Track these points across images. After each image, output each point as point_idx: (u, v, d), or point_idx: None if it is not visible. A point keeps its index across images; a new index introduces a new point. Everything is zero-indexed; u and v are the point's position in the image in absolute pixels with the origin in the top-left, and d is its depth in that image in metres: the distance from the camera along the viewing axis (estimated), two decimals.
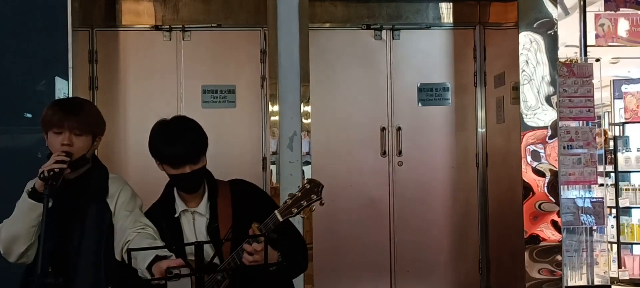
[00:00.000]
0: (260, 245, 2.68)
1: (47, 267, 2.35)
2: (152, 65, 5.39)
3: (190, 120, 3.01)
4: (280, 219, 2.80)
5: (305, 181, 2.88)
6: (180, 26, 5.37)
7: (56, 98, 4.45)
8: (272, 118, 4.70)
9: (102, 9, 5.33)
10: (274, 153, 4.69)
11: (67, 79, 4.44)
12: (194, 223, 2.99)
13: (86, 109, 2.85)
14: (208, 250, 2.87)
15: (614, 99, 8.64)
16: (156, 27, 5.38)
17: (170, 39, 5.40)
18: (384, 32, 5.63)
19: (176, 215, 2.99)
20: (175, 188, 3.01)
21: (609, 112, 8.94)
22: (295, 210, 2.81)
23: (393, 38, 5.64)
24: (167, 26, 5.37)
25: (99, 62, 5.32)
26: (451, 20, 5.69)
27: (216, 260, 2.80)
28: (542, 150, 4.97)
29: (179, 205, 2.99)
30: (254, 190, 3.19)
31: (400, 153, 5.62)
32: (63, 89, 4.47)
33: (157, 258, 2.58)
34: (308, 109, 4.70)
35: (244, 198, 3.05)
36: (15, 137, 4.56)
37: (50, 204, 2.56)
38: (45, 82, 4.52)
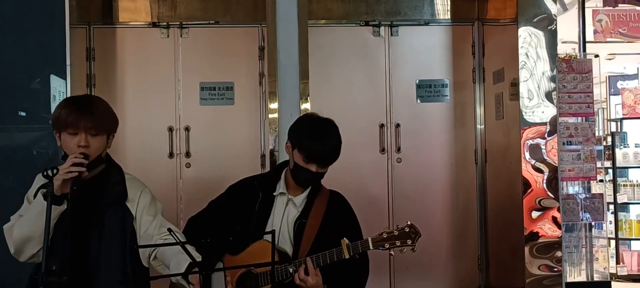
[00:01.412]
0: (315, 275, 2.91)
1: (51, 265, 2.34)
2: (149, 62, 5.37)
3: (336, 128, 3.21)
4: (371, 248, 2.95)
5: (407, 224, 3.00)
6: (178, 23, 5.35)
7: (51, 96, 4.43)
8: (271, 115, 4.68)
9: (99, 6, 5.31)
10: (273, 150, 4.68)
11: (64, 77, 4.41)
12: (285, 209, 3.16)
13: (100, 107, 2.78)
14: (286, 239, 3.08)
15: (610, 94, 8.65)
16: (154, 24, 5.36)
17: (168, 36, 5.38)
18: (382, 28, 5.61)
19: (274, 194, 3.17)
20: (284, 171, 3.21)
21: (604, 108, 8.94)
22: (387, 246, 2.95)
23: (391, 34, 5.63)
24: (165, 23, 5.35)
25: (96, 60, 5.30)
26: (449, 16, 5.68)
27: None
28: (542, 146, 4.96)
29: (281, 187, 3.18)
30: (348, 208, 3.32)
31: (399, 150, 5.60)
32: (59, 86, 4.44)
33: (192, 265, 2.56)
34: (307, 105, 4.69)
35: (338, 211, 3.21)
36: (11, 134, 4.53)
37: (65, 206, 2.53)
38: (41, 79, 4.49)
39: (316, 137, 3.07)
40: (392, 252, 2.98)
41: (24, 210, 2.78)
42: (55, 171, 2.50)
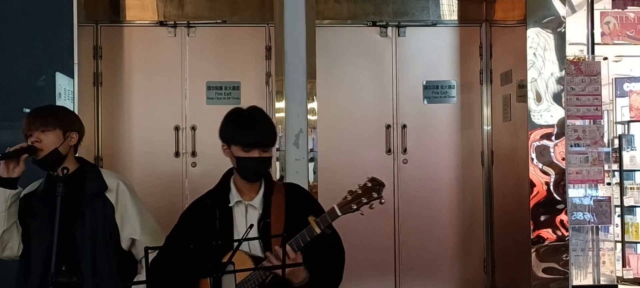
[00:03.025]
0: (292, 252, 2.80)
1: (60, 266, 2.38)
2: (156, 61, 5.37)
3: (264, 112, 3.13)
4: (339, 214, 2.85)
5: (367, 179, 2.89)
6: (185, 22, 5.35)
7: (57, 93, 4.44)
8: (278, 115, 4.67)
9: (106, 5, 5.31)
10: (279, 150, 4.67)
11: (72, 75, 4.42)
12: (246, 215, 3.06)
13: (51, 110, 3.15)
14: (256, 245, 2.97)
15: (616, 97, 8.61)
16: (161, 23, 5.36)
17: (175, 35, 5.38)
18: (389, 29, 5.60)
19: (230, 205, 3.06)
20: (232, 180, 3.11)
21: (611, 110, 8.90)
22: (355, 207, 2.84)
23: (399, 35, 5.62)
24: (172, 22, 5.35)
25: (103, 58, 5.30)
26: (457, 18, 5.66)
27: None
28: (549, 149, 4.94)
29: (234, 196, 3.07)
30: (307, 195, 3.26)
31: (405, 151, 5.59)
32: (65, 84, 4.45)
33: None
34: (314, 105, 4.68)
35: (298, 201, 3.10)
36: (16, 131, 4.54)
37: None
38: (46, 77, 4.49)
39: (246, 123, 3.03)
40: (361, 212, 2.87)
41: None
42: (65, 171, 2.77)
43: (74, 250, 2.95)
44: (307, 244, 2.86)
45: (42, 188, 3.04)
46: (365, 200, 2.85)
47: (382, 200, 2.87)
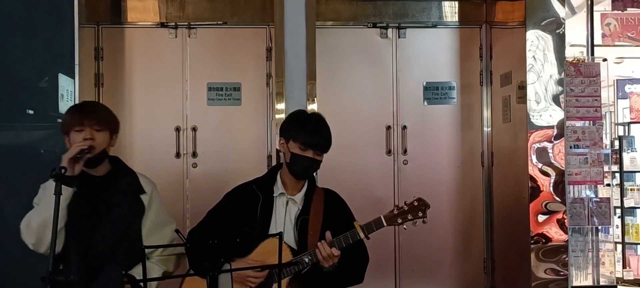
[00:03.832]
0: (337, 251, 3.04)
1: (58, 265, 2.40)
2: (157, 62, 5.39)
3: (325, 120, 3.41)
4: (385, 224, 3.11)
5: (414, 198, 3.17)
6: (186, 23, 5.37)
7: (59, 94, 4.46)
8: (278, 116, 4.69)
9: (108, 6, 5.33)
10: (279, 151, 4.68)
11: (73, 76, 4.43)
12: (286, 208, 3.27)
13: (102, 109, 3.22)
14: (291, 237, 3.19)
15: (618, 98, 8.62)
16: (162, 25, 5.37)
17: (176, 37, 5.39)
18: (390, 30, 5.62)
19: (274, 195, 3.28)
20: (279, 173, 3.35)
21: (611, 111, 8.91)
22: (400, 221, 3.12)
23: (399, 36, 5.63)
24: (173, 23, 5.37)
25: (104, 59, 5.32)
26: (457, 19, 5.67)
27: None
28: (549, 150, 4.96)
29: (279, 188, 3.31)
30: (343, 202, 3.46)
31: (405, 152, 5.61)
32: (67, 85, 4.46)
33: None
34: (314, 106, 4.69)
35: (336, 206, 3.35)
36: (18, 133, 4.55)
37: (71, 191, 2.87)
38: (49, 78, 4.51)
39: (309, 125, 3.27)
40: (405, 227, 3.13)
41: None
42: (63, 170, 2.73)
43: (101, 241, 3.01)
44: (348, 245, 3.09)
45: (75, 185, 3.03)
46: (410, 217, 3.12)
47: (426, 220, 3.14)
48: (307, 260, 3.07)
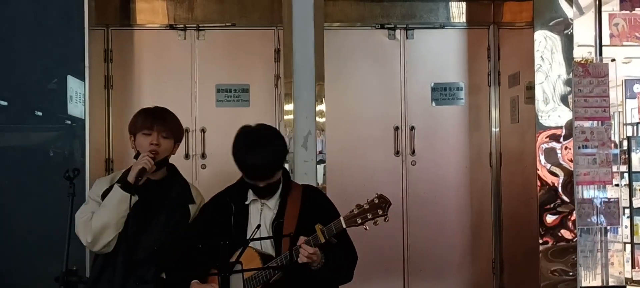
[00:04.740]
0: (313, 249, 2.89)
1: (72, 266, 2.42)
2: (166, 64, 5.41)
3: (271, 130, 3.26)
4: (344, 226, 2.94)
5: (375, 196, 2.98)
6: (195, 25, 5.39)
7: (68, 96, 4.48)
8: (286, 117, 4.70)
9: (117, 8, 5.35)
10: (288, 152, 4.69)
11: (83, 78, 4.46)
12: (261, 213, 3.15)
13: (171, 116, 3.29)
14: (268, 243, 3.07)
15: (626, 98, 8.59)
16: (171, 26, 5.39)
17: (184, 38, 5.41)
18: (397, 31, 5.62)
19: (247, 202, 3.17)
20: None
21: (620, 111, 8.87)
22: (360, 221, 2.93)
23: (407, 37, 5.63)
24: (182, 25, 5.39)
25: (114, 61, 5.34)
26: (465, 20, 5.68)
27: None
28: (557, 150, 4.95)
29: (251, 194, 3.19)
30: (323, 198, 3.35)
31: (413, 152, 5.61)
32: (76, 87, 4.49)
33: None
34: (322, 107, 4.71)
35: (313, 204, 3.20)
36: (27, 134, 4.58)
37: (136, 199, 2.98)
38: (57, 80, 4.54)
39: (243, 155, 3.09)
40: (366, 227, 2.95)
41: (92, 207, 3.13)
42: (75, 172, 2.75)
43: (140, 248, 3.08)
44: (323, 245, 2.94)
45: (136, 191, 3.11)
46: (370, 216, 2.93)
47: (387, 218, 2.96)
48: (278, 263, 2.98)
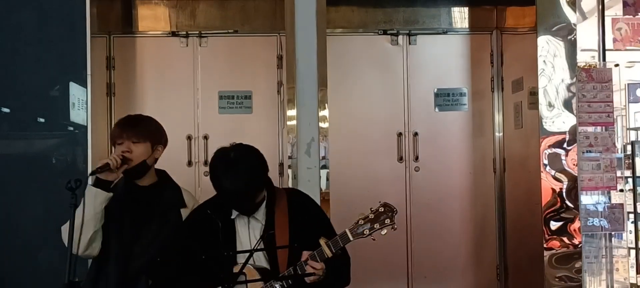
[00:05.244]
0: (320, 265, 2.80)
1: (74, 276, 2.42)
2: (168, 71, 5.41)
3: (248, 149, 3.04)
4: (351, 239, 2.83)
5: (380, 204, 2.89)
6: (197, 32, 5.39)
7: (71, 103, 4.48)
8: (289, 123, 4.69)
9: (119, 16, 5.36)
10: (291, 157, 4.68)
11: (85, 85, 4.45)
12: (249, 226, 3.03)
13: (143, 121, 3.28)
14: (260, 256, 2.94)
15: (629, 102, 8.57)
16: (173, 33, 5.40)
17: (187, 45, 5.41)
18: (400, 37, 5.62)
19: (232, 217, 3.03)
20: None
21: (623, 116, 8.86)
22: (367, 232, 2.83)
23: (410, 43, 5.63)
24: (184, 32, 5.39)
25: (116, 68, 5.34)
26: (468, 25, 5.67)
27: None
28: (561, 156, 4.93)
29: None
30: (310, 201, 3.24)
31: (417, 158, 5.60)
32: (78, 94, 4.49)
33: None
34: (325, 113, 4.69)
35: (301, 209, 3.10)
36: (30, 141, 4.58)
37: (108, 195, 3.00)
38: (60, 87, 4.54)
39: (221, 182, 2.92)
40: (374, 238, 2.85)
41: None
42: (77, 183, 2.72)
43: (133, 255, 3.08)
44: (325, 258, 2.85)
45: (120, 192, 3.13)
46: (377, 226, 2.83)
47: (395, 227, 2.86)
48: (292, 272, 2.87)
